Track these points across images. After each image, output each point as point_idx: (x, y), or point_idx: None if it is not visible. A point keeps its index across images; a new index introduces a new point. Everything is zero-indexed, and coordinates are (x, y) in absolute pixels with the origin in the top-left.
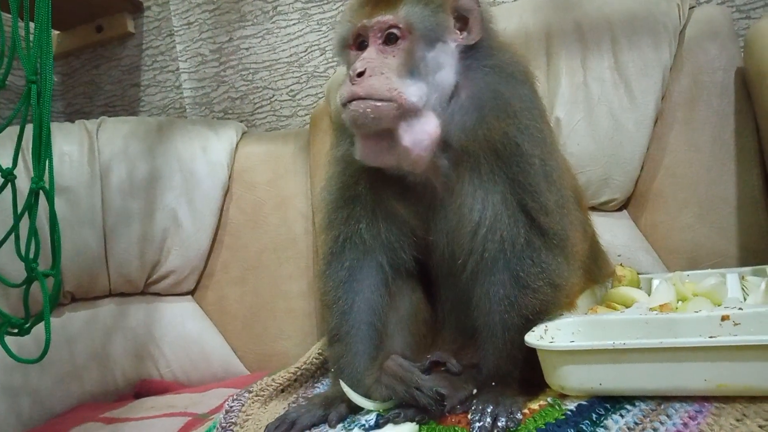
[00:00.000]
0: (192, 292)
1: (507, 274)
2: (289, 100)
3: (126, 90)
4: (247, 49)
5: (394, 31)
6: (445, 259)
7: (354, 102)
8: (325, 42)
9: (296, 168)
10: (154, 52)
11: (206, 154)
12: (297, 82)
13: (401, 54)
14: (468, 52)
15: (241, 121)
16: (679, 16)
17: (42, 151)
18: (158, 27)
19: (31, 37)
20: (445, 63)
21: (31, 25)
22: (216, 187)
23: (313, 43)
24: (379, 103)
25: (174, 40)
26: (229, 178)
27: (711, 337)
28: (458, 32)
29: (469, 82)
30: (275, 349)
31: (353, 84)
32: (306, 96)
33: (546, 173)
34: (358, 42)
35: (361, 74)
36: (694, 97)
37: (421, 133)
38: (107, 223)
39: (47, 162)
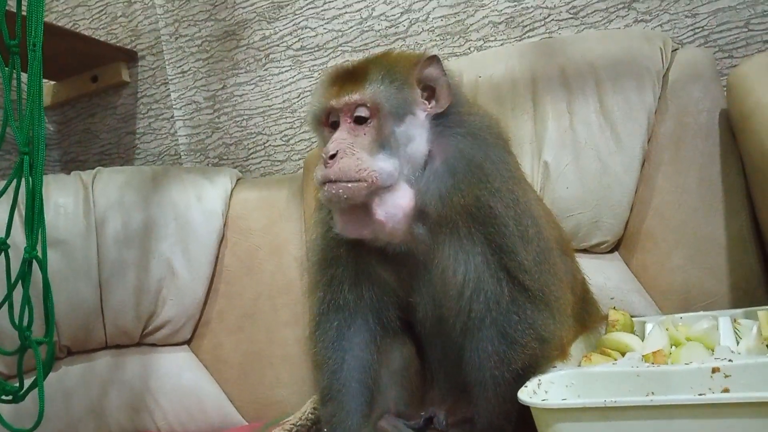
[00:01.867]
0: (188, 342)
1: (494, 330)
2: (283, 145)
3: (122, 138)
4: (240, 96)
5: (362, 110)
6: (430, 318)
7: (327, 184)
8: None
9: (290, 213)
10: (149, 100)
11: (201, 202)
12: (290, 128)
13: (371, 131)
14: (439, 119)
15: (236, 167)
16: (662, 59)
17: (35, 220)
18: (153, 76)
19: (24, 105)
20: (415, 135)
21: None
22: (211, 235)
23: (305, 89)
24: (350, 185)
25: (168, 89)
26: (224, 225)
27: (700, 394)
28: (426, 102)
29: (442, 148)
30: (272, 397)
31: (326, 167)
32: (299, 141)
33: (521, 233)
34: (330, 121)
35: (333, 156)
36: (679, 139)
37: (394, 207)
38: (102, 275)
39: (40, 232)
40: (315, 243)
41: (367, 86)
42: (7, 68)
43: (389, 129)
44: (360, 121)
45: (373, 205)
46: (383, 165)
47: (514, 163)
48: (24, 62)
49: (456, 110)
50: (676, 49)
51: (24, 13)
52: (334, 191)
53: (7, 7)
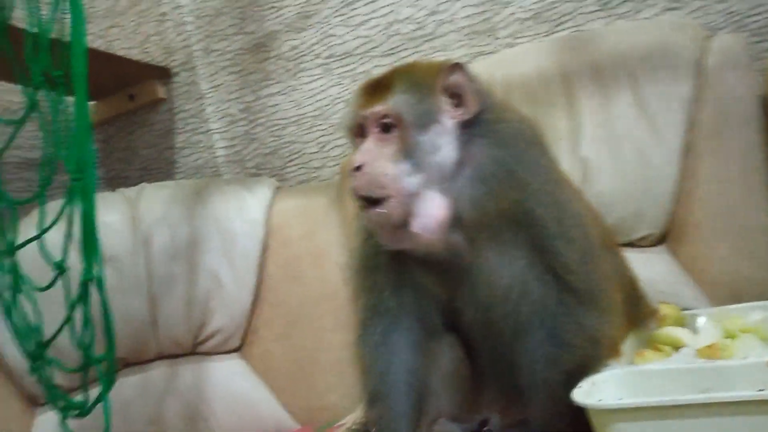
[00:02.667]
0: (238, 350)
1: (543, 333)
2: (318, 152)
3: (161, 153)
4: (273, 106)
5: (387, 120)
6: (477, 322)
7: (366, 211)
8: (347, 94)
9: (330, 220)
10: (186, 115)
11: (242, 213)
12: (324, 135)
13: (396, 141)
14: (468, 126)
15: (273, 176)
16: (696, 47)
17: (89, 243)
18: (188, 91)
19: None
20: (442, 144)
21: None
22: (254, 245)
23: (336, 96)
24: (384, 210)
25: (204, 103)
26: (266, 234)
27: (760, 389)
28: (454, 109)
29: (472, 156)
30: (324, 402)
31: (353, 178)
32: (334, 147)
33: (563, 233)
34: (360, 130)
35: (358, 168)
36: (719, 127)
37: (428, 217)
38: (153, 289)
39: (95, 253)
40: (355, 250)
41: (390, 97)
42: (53, 99)
43: (413, 139)
44: (386, 131)
45: (408, 218)
46: (407, 174)
47: (551, 164)
48: (68, 86)
49: (486, 116)
50: (708, 37)
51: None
52: (373, 219)
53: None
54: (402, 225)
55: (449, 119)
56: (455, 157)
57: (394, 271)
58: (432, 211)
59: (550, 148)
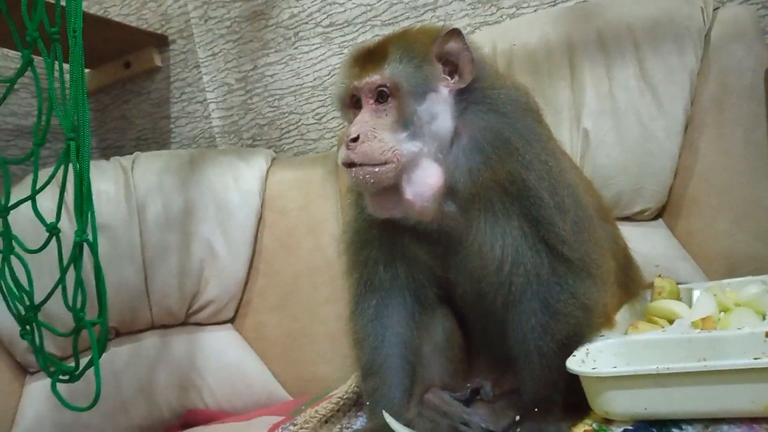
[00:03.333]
0: (231, 320)
1: (537, 302)
2: (316, 123)
3: (156, 123)
4: (271, 76)
5: (383, 89)
6: (469, 293)
7: (353, 169)
8: None
9: (326, 191)
10: (182, 84)
11: (238, 183)
12: (322, 106)
13: (393, 111)
14: (463, 94)
15: (270, 147)
16: (703, 18)
17: (84, 204)
18: (184, 59)
19: (67, 92)
20: (439, 112)
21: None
22: (249, 215)
23: (335, 66)
24: (376, 168)
25: (200, 72)
26: (261, 205)
27: (756, 358)
28: (449, 78)
29: (468, 124)
30: (316, 373)
31: (348, 149)
32: (331, 119)
33: (557, 203)
34: (353, 101)
35: (355, 139)
36: (723, 100)
37: (422, 186)
38: (146, 258)
39: (89, 215)
40: (348, 224)
41: (386, 66)
42: (48, 57)
43: (411, 108)
44: (381, 101)
45: (402, 184)
46: (406, 144)
47: (546, 134)
48: (64, 49)
49: (481, 84)
50: (717, 8)
51: (63, 2)
52: (361, 176)
53: None
54: (395, 191)
55: (445, 87)
56: (451, 125)
57: (387, 245)
58: (427, 180)
59: (544, 118)
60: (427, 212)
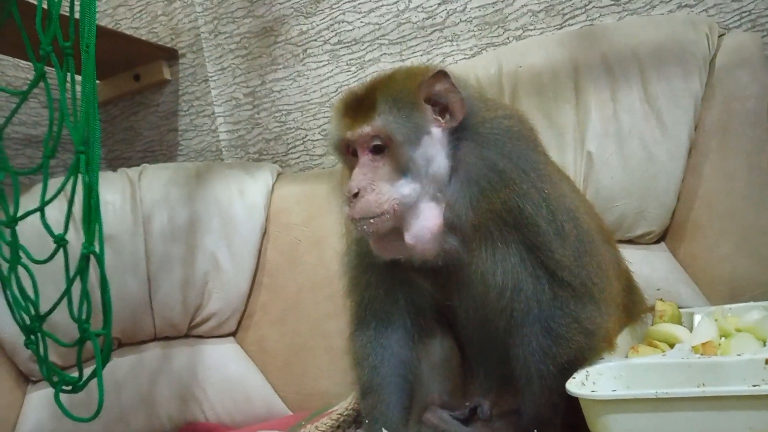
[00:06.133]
0: (234, 334)
1: (538, 326)
2: (322, 139)
3: (164, 135)
4: (279, 91)
5: (377, 141)
6: (472, 319)
7: (356, 222)
8: (354, 82)
9: (330, 207)
10: (190, 97)
11: (243, 197)
12: (328, 122)
13: (389, 160)
14: (456, 131)
15: (276, 162)
16: (708, 44)
17: (92, 217)
18: (193, 73)
19: (78, 105)
20: (434, 153)
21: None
22: (254, 229)
23: (342, 83)
24: (374, 220)
25: (209, 86)
26: (266, 219)
27: (754, 385)
28: (440, 118)
29: (463, 159)
30: (316, 388)
31: (350, 205)
32: None
33: (555, 230)
34: (349, 150)
35: (355, 195)
36: (727, 126)
37: (422, 229)
38: (150, 269)
39: (97, 227)
40: (350, 249)
41: (377, 117)
42: (61, 71)
43: (406, 155)
44: (377, 150)
45: (403, 230)
46: (404, 191)
47: (542, 159)
48: (76, 63)
49: (473, 119)
50: (722, 35)
51: (77, 16)
52: (362, 228)
53: (60, 10)
54: (397, 235)
55: (437, 128)
56: (447, 163)
57: (388, 270)
58: (425, 223)
59: (540, 144)
60: (429, 252)
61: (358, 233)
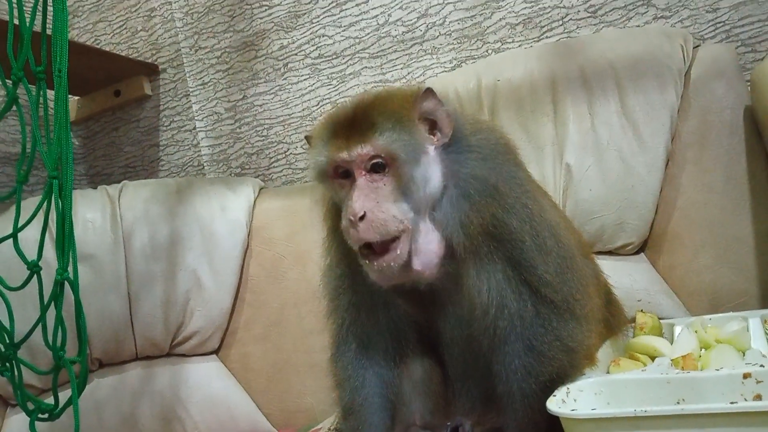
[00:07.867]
0: (216, 351)
1: (520, 345)
2: (304, 153)
3: (145, 150)
4: (260, 105)
5: (378, 160)
6: (455, 336)
7: (373, 259)
8: (335, 95)
9: (313, 221)
10: (171, 112)
11: (225, 212)
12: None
13: (390, 180)
14: (445, 148)
15: (258, 176)
16: (683, 56)
17: (65, 242)
18: (174, 88)
19: (51, 128)
20: (431, 172)
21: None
22: (235, 245)
23: (324, 96)
24: (394, 262)
25: (190, 100)
26: (248, 235)
27: (732, 402)
28: (431, 136)
29: (453, 175)
30: (300, 405)
31: (358, 229)
32: None
33: (538, 246)
34: (338, 172)
35: (362, 217)
36: (703, 137)
37: (429, 253)
38: (131, 288)
39: (71, 253)
40: (329, 269)
41: (378, 136)
42: (33, 95)
43: (408, 175)
44: (376, 170)
45: (409, 256)
46: (408, 212)
47: (524, 175)
48: (49, 82)
49: (459, 135)
50: (697, 46)
51: (49, 32)
52: (384, 267)
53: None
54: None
55: (431, 146)
56: (441, 182)
57: (368, 292)
58: (430, 245)
59: (521, 159)
60: (432, 275)
61: (380, 276)
